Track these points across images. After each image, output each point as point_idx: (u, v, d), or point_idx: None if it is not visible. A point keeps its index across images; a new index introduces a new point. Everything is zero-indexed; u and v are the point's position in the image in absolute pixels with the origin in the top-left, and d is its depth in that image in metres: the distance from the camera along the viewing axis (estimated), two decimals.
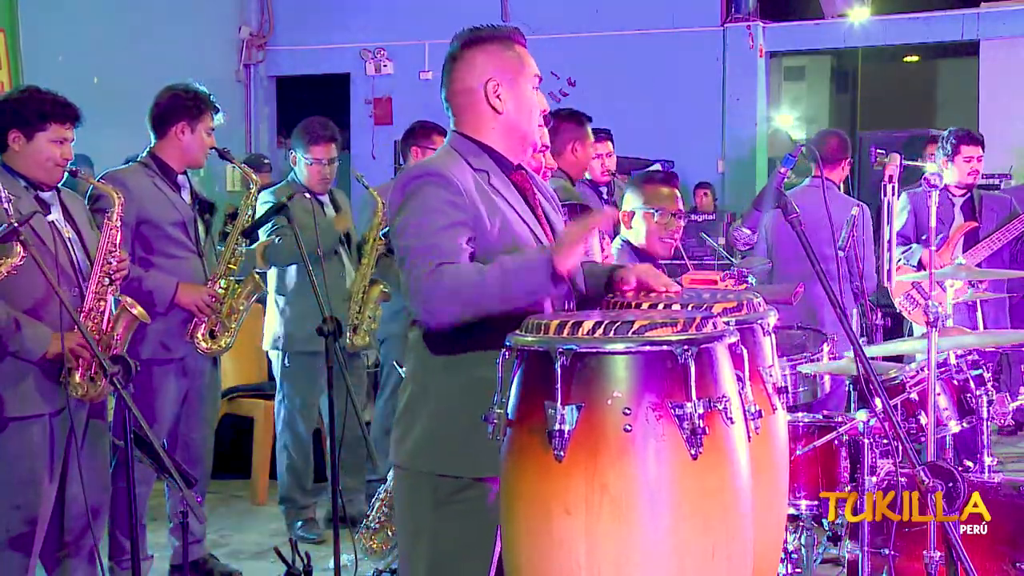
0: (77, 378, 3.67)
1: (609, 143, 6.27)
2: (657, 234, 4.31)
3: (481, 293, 2.51)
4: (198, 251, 4.47)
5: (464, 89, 2.78)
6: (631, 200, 4.39)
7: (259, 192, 4.72)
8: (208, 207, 4.59)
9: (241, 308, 4.49)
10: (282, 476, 5.31)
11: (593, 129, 6.28)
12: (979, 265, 5.71)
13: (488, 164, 2.76)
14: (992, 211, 6.16)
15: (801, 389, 3.88)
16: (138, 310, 3.85)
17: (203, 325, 4.41)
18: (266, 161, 9.14)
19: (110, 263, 3.76)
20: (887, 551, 3.50)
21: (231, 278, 4.49)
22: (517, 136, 2.80)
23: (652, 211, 4.31)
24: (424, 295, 2.53)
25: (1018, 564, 3.42)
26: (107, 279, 3.75)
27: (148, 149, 4.48)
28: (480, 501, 2.66)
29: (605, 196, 6.06)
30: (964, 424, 3.99)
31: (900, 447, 3.16)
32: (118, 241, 3.82)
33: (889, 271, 4.30)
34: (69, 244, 3.75)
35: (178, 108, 4.43)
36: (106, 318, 3.77)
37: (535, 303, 2.59)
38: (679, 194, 4.44)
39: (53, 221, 3.75)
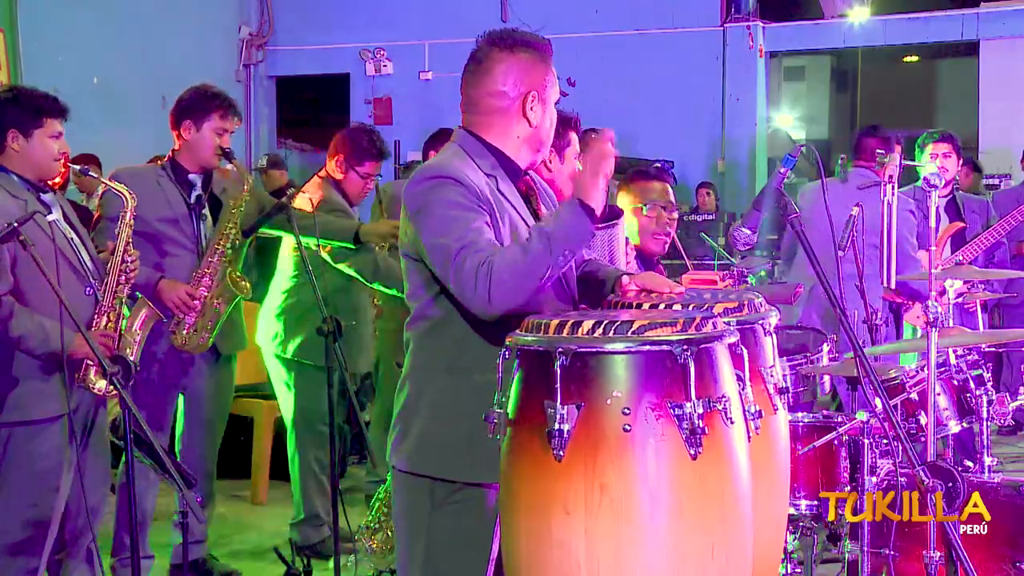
0: (92, 375, 3.68)
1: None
2: (649, 230, 4.28)
3: (536, 267, 2.48)
4: (197, 249, 4.46)
5: (499, 92, 2.74)
6: (620, 200, 4.38)
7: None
8: (219, 207, 4.57)
9: (217, 309, 4.43)
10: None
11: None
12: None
13: (496, 169, 2.75)
14: (973, 213, 6.18)
15: (801, 389, 3.89)
16: (152, 307, 3.87)
17: (184, 323, 4.40)
18: (284, 160, 9.20)
19: (126, 262, 3.77)
20: (887, 551, 3.50)
21: (213, 278, 4.44)
22: (537, 148, 2.81)
23: (640, 206, 4.29)
24: (483, 287, 2.48)
25: (1018, 564, 3.43)
26: (123, 277, 3.77)
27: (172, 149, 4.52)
28: (477, 502, 2.66)
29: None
30: (964, 424, 3.99)
31: (900, 447, 3.16)
32: (131, 240, 3.84)
33: (889, 272, 4.30)
34: (72, 245, 3.75)
35: (187, 107, 4.45)
36: (121, 316, 3.78)
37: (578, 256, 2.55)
38: (671, 189, 4.42)
39: (55, 222, 3.74)
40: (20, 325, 3.55)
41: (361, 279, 4.87)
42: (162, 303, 4.29)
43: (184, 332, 4.36)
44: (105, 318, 3.72)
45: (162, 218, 4.36)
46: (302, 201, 4.81)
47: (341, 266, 4.80)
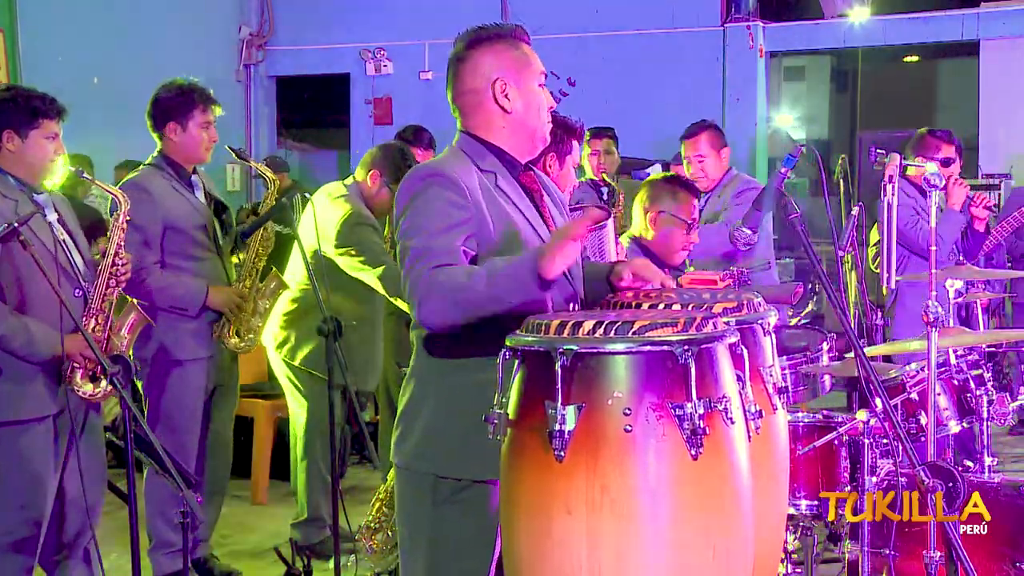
0: (78, 378, 3.68)
1: (608, 140, 6.19)
2: (681, 243, 4.27)
3: (470, 295, 2.49)
4: (218, 252, 4.53)
5: (471, 89, 2.77)
6: (661, 201, 4.30)
7: (287, 190, 4.68)
8: (222, 207, 4.64)
9: (265, 307, 4.56)
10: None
11: (591, 128, 6.25)
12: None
13: (496, 165, 2.76)
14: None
15: (801, 388, 3.89)
16: (141, 311, 3.88)
17: (230, 325, 4.49)
18: (286, 162, 9.20)
19: (116, 265, 3.77)
20: (887, 551, 3.50)
21: (254, 278, 4.56)
22: (526, 134, 2.80)
23: (684, 220, 4.25)
24: (420, 297, 2.53)
25: (1018, 564, 3.43)
26: (113, 280, 3.76)
27: (158, 149, 4.51)
28: (480, 501, 2.66)
29: (604, 196, 6.02)
30: (964, 424, 3.99)
31: (900, 447, 3.17)
32: (123, 243, 3.83)
33: (889, 273, 4.29)
34: (65, 246, 3.75)
35: (168, 108, 4.47)
36: (109, 319, 3.78)
37: (530, 304, 2.51)
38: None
39: (50, 223, 3.74)
40: (4, 325, 3.54)
41: (383, 291, 4.82)
42: (215, 309, 4.46)
43: (226, 332, 4.49)
44: (93, 320, 3.72)
45: (197, 224, 4.47)
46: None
47: (361, 275, 4.77)
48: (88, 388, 3.69)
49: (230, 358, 4.71)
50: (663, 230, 4.29)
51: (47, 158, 3.74)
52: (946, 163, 5.35)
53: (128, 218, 3.88)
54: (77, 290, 3.72)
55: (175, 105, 4.47)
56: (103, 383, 3.70)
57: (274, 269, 4.61)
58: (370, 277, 4.73)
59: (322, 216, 4.73)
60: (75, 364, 3.65)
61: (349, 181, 5.00)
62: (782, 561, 3.71)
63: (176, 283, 4.39)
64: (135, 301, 3.93)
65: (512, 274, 2.46)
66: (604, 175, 6.08)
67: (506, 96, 2.75)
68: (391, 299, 4.80)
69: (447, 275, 2.52)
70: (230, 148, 4.68)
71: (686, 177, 4.56)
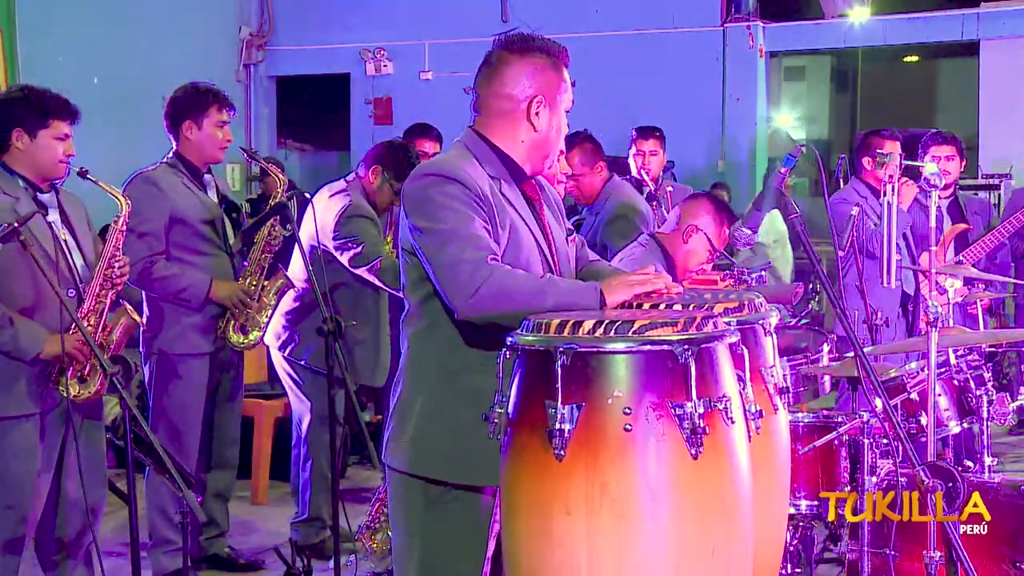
0: (66, 379, 3.67)
1: (654, 141, 6.09)
2: (697, 265, 4.24)
3: (532, 303, 2.50)
4: (227, 250, 4.54)
5: (508, 95, 2.74)
6: (703, 219, 4.25)
7: (286, 191, 4.64)
8: (234, 207, 4.65)
9: (271, 304, 4.56)
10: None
11: (638, 127, 6.20)
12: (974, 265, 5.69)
13: (501, 172, 2.74)
14: (975, 214, 6.16)
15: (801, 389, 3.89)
16: (134, 315, 3.88)
17: (235, 321, 4.49)
18: (280, 163, 9.17)
19: (113, 267, 3.76)
20: (887, 551, 3.50)
21: (260, 275, 4.56)
22: (541, 154, 2.79)
23: (713, 248, 4.21)
24: (474, 283, 2.50)
25: (1018, 564, 3.43)
26: (108, 283, 3.76)
27: (172, 149, 4.54)
28: (470, 504, 2.67)
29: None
30: (964, 424, 4.00)
31: (900, 447, 3.17)
32: (122, 246, 3.83)
33: (890, 272, 4.30)
34: (65, 246, 3.75)
35: (183, 107, 4.51)
36: (103, 321, 3.77)
37: None
38: None
39: (51, 223, 3.74)
40: None
41: (383, 286, 4.81)
42: (219, 303, 4.44)
43: (230, 329, 4.49)
44: (85, 321, 3.71)
45: (205, 220, 4.48)
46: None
47: (361, 271, 4.77)
48: (75, 389, 3.68)
49: (237, 358, 4.70)
50: (691, 246, 4.25)
51: (56, 158, 3.75)
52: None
53: (128, 221, 3.87)
54: (71, 290, 3.72)
55: (192, 104, 4.50)
56: (91, 385, 3.70)
57: (281, 267, 4.61)
58: (367, 272, 4.74)
59: (321, 211, 4.74)
60: (61, 366, 3.64)
61: (351, 177, 5.00)
62: (782, 561, 3.71)
63: (180, 274, 4.40)
64: (128, 305, 3.93)
65: (580, 298, 2.54)
66: (644, 174, 6.01)
67: (538, 115, 2.74)
68: (389, 290, 4.79)
69: (510, 274, 2.53)
70: (243, 148, 4.71)
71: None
